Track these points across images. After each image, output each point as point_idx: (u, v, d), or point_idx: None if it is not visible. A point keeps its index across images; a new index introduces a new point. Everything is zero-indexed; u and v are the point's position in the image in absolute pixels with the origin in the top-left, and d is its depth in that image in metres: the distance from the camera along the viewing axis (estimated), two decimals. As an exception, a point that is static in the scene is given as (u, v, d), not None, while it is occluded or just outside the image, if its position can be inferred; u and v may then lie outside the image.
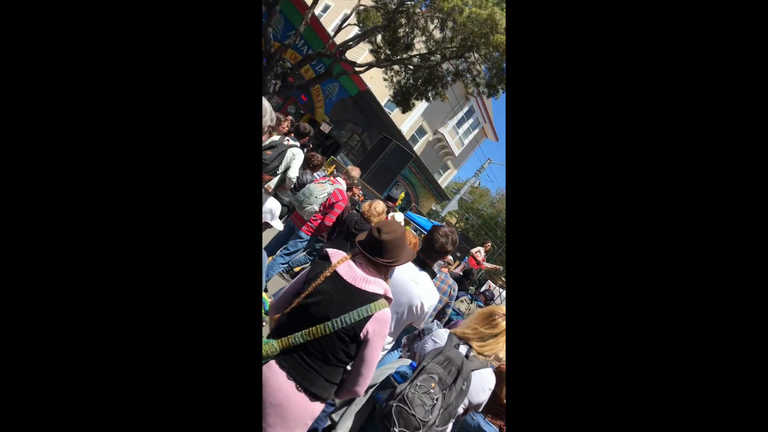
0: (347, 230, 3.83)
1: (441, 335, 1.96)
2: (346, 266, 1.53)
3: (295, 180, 4.37)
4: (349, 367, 1.58)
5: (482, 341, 1.91)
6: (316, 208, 4.09)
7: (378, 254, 1.54)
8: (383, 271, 1.58)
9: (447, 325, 3.44)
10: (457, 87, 14.82)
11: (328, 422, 2.14)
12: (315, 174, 4.69)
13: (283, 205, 4.23)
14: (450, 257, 4.27)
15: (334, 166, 7.32)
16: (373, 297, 1.47)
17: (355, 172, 4.56)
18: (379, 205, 3.90)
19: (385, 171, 7.42)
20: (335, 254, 1.58)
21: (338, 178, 4.38)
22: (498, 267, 12.20)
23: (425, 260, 2.27)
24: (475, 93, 13.80)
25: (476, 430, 2.93)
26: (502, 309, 2.05)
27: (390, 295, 1.54)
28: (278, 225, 2.32)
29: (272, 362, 1.46)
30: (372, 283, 1.50)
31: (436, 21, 11.36)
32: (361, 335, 1.44)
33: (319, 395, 1.47)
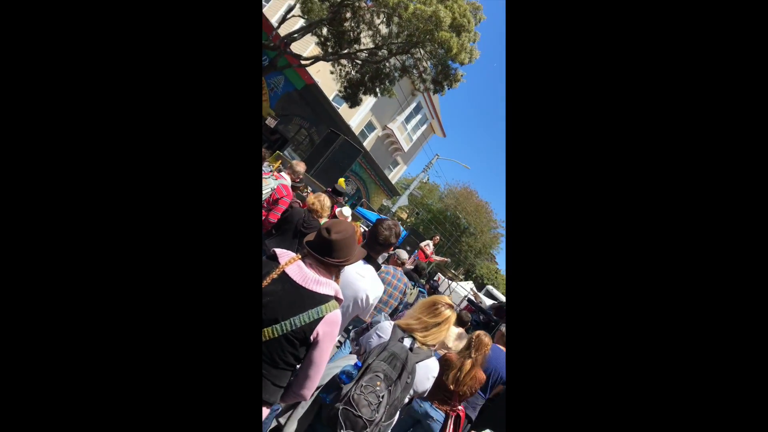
0: (295, 228, 3.74)
1: (385, 328, 1.96)
2: (295, 267, 1.48)
3: None
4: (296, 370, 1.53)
5: (426, 331, 1.94)
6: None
7: (328, 254, 1.50)
8: (334, 271, 1.55)
9: (393, 316, 3.47)
10: (404, 83, 14.95)
11: (274, 424, 2.08)
12: (258, 169, 4.54)
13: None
14: (405, 255, 4.29)
15: (280, 161, 7.13)
16: (324, 299, 1.43)
17: (300, 167, 4.45)
18: (327, 200, 3.84)
19: (333, 166, 7.33)
20: (283, 254, 1.53)
21: (282, 174, 4.27)
22: (446, 259, 12.53)
23: (370, 253, 2.27)
24: (422, 89, 14.01)
25: (424, 416, 2.99)
26: (445, 298, 2.09)
27: (341, 296, 1.51)
28: None
29: None
30: (323, 285, 1.46)
31: (382, 16, 11.36)
32: (311, 337, 1.41)
33: (266, 400, 1.42)
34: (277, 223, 3.84)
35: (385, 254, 4.20)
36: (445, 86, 11.71)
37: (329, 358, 2.24)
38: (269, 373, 1.41)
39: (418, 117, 21.84)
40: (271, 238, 3.76)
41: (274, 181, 4.07)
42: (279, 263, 1.48)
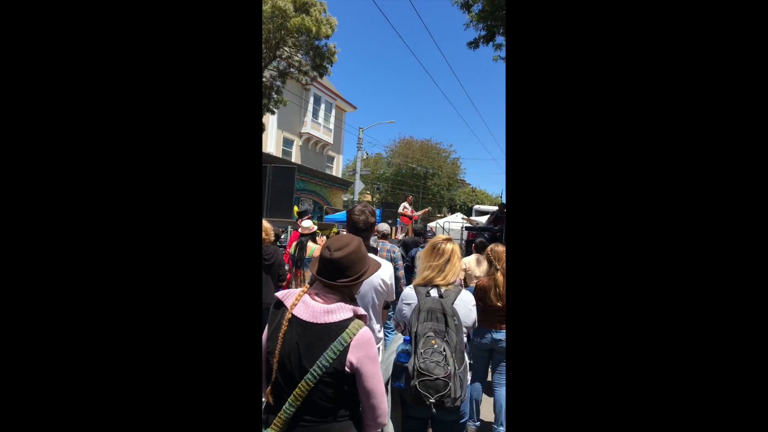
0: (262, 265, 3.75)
1: (408, 295, 1.99)
2: (301, 306, 1.37)
3: None
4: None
5: (442, 272, 1.97)
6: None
7: (338, 275, 1.38)
8: (344, 291, 1.41)
9: (397, 285, 3.53)
10: (290, 86, 14.67)
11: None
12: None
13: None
14: (385, 227, 4.32)
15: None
16: (340, 326, 1.31)
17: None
18: (264, 223, 3.86)
19: (279, 196, 7.18)
20: (287, 297, 1.42)
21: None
22: (427, 209, 12.67)
23: (360, 243, 2.27)
24: (308, 81, 13.77)
25: (493, 343, 3.07)
26: (439, 237, 2.12)
27: (361, 311, 1.38)
28: None
29: None
30: (333, 312, 1.34)
31: (231, 40, 11.01)
32: (347, 369, 1.28)
33: None
34: None
35: (375, 236, 4.22)
36: (327, 66, 11.56)
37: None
38: (326, 419, 1.30)
39: (323, 106, 21.57)
40: None
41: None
42: (286, 308, 1.38)
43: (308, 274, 4.77)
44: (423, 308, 1.83)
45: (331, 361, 1.27)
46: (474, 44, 8.16)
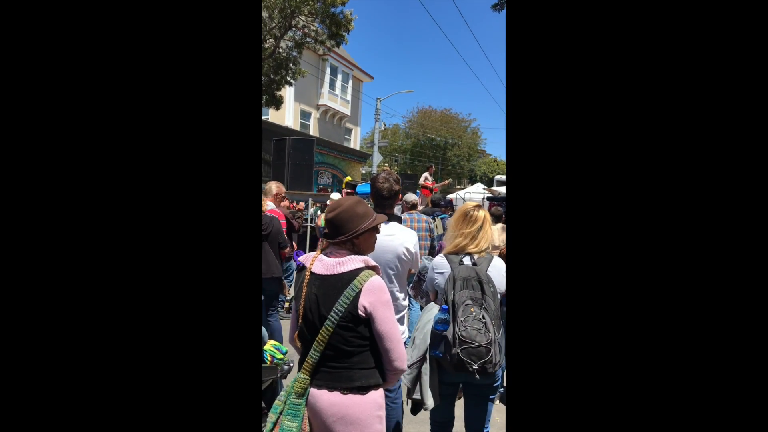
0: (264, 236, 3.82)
1: (440, 264, 1.96)
2: (318, 263, 1.51)
3: None
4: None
5: (474, 240, 1.94)
6: (260, 240, 3.91)
7: (336, 233, 1.51)
8: (350, 247, 1.53)
9: (434, 253, 3.49)
10: (306, 56, 14.44)
11: (401, 407, 2.13)
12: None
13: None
14: (412, 196, 4.29)
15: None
16: (352, 275, 1.43)
17: (274, 186, 4.36)
18: (272, 187, 4.03)
19: (299, 168, 7.20)
20: (306, 258, 1.56)
21: (267, 205, 4.19)
22: (447, 181, 12.53)
23: (385, 211, 2.24)
24: (325, 50, 13.51)
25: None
26: (470, 203, 2.06)
27: (371, 263, 1.50)
28: None
29: (312, 390, 1.44)
30: (345, 263, 1.46)
31: (246, 10, 10.82)
32: (361, 313, 1.40)
33: (367, 385, 1.44)
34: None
35: (399, 204, 4.19)
36: (343, 33, 11.29)
37: (407, 318, 2.26)
38: (351, 363, 1.42)
39: (340, 77, 21.25)
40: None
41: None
42: (305, 267, 1.52)
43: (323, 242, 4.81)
44: (458, 276, 1.82)
45: (345, 306, 1.39)
46: (499, 5, 7.80)
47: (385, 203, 2.26)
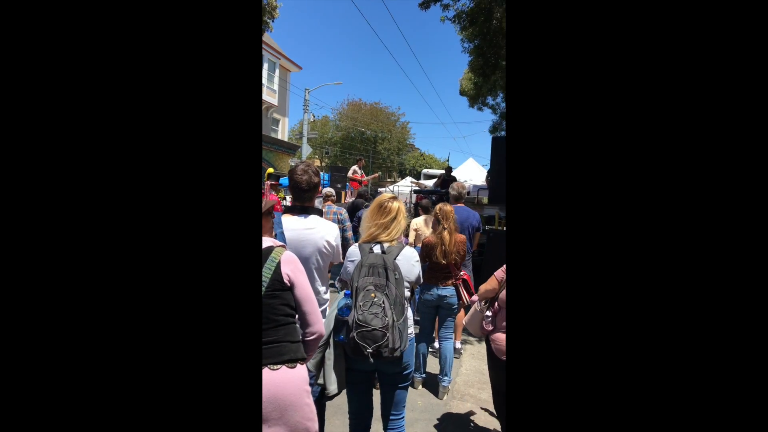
0: None
1: (353, 252, 1.98)
2: None
3: None
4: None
5: (387, 230, 1.98)
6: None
7: None
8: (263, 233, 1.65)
9: (344, 245, 3.55)
10: (229, 42, 13.71)
11: (317, 389, 2.14)
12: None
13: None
14: (329, 189, 4.25)
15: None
16: (268, 250, 1.57)
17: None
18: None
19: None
20: None
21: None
22: (377, 174, 12.63)
23: (304, 204, 2.19)
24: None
25: (439, 299, 3.19)
26: (386, 195, 2.10)
27: (278, 243, 1.64)
28: None
29: None
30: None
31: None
32: (285, 280, 1.53)
33: (294, 358, 1.49)
34: None
35: (320, 196, 4.14)
36: (268, 21, 10.88)
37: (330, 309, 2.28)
38: (278, 335, 1.48)
39: (266, 65, 20.47)
40: None
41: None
42: None
43: None
44: (365, 264, 1.85)
45: (269, 275, 1.50)
46: (425, 5, 7.97)
47: (304, 196, 2.21)
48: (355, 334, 1.72)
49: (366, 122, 29.37)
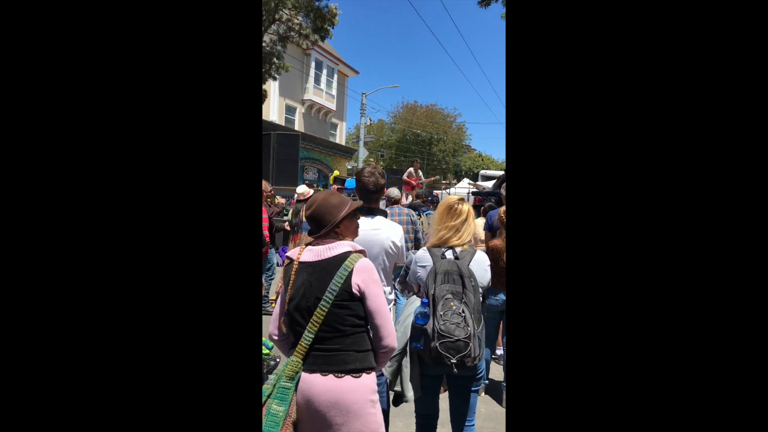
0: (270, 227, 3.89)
1: (423, 257, 1.98)
2: (306, 252, 1.55)
3: None
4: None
5: (458, 233, 1.95)
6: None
7: (319, 228, 1.58)
8: (336, 236, 1.58)
9: (418, 247, 3.53)
10: (291, 50, 14.28)
11: (386, 398, 2.15)
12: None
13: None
14: (395, 192, 4.30)
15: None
16: (342, 257, 1.50)
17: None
18: (265, 185, 4.01)
19: (284, 164, 7.15)
20: (292, 253, 1.61)
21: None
22: (433, 177, 12.57)
23: (370, 206, 2.24)
24: (309, 45, 13.39)
25: (504, 304, 3.10)
26: (454, 197, 2.08)
27: (358, 247, 1.57)
28: None
29: (303, 375, 1.44)
30: (334, 248, 1.53)
31: (228, 3, 10.66)
32: (355, 291, 1.46)
33: (361, 368, 1.46)
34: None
35: (383, 198, 4.19)
36: (328, 28, 11.20)
37: (394, 311, 2.28)
38: (345, 344, 1.45)
39: (325, 71, 21.08)
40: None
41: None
42: (293, 260, 1.56)
43: (303, 236, 4.84)
44: (439, 270, 1.83)
45: (340, 284, 1.45)
46: (485, 2, 7.81)
47: (371, 197, 2.26)
48: (437, 345, 1.71)
49: (421, 124, 29.32)
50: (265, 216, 4.01)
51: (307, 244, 1.60)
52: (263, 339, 2.46)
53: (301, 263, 1.53)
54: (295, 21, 11.38)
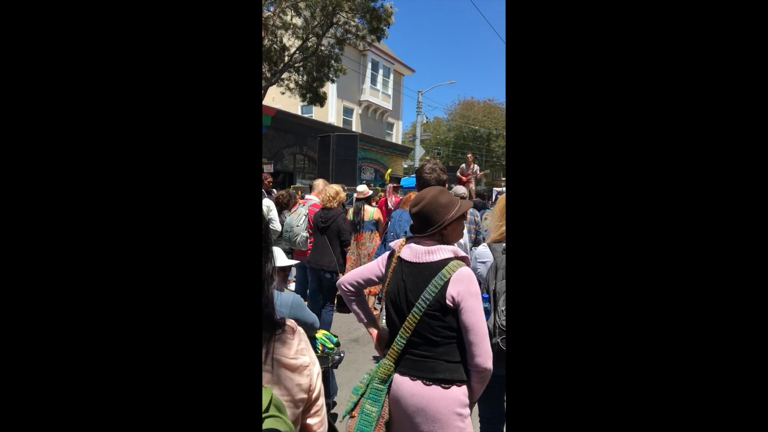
0: (318, 228, 3.90)
1: (483, 253, 1.95)
2: (407, 249, 1.50)
3: (280, 229, 4.33)
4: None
5: (520, 229, 1.90)
6: (305, 234, 4.03)
7: (424, 228, 1.49)
8: (441, 238, 1.50)
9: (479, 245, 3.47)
10: (348, 52, 14.58)
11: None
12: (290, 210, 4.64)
13: (285, 251, 4.20)
14: (462, 189, 4.27)
15: (300, 192, 7.23)
16: (441, 264, 1.41)
17: (320, 183, 4.48)
18: (330, 189, 3.95)
19: (343, 164, 7.34)
20: (395, 244, 1.57)
21: (307, 197, 4.32)
22: (482, 173, 12.24)
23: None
24: (366, 46, 13.61)
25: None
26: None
27: (460, 253, 1.46)
28: (287, 261, 2.26)
29: (395, 376, 1.43)
30: (434, 252, 1.44)
31: (289, 11, 11.09)
32: (449, 302, 1.37)
33: (450, 379, 1.39)
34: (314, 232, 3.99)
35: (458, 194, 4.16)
36: (383, 28, 11.30)
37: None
38: (435, 353, 1.39)
39: (381, 71, 21.27)
40: (312, 248, 4.00)
41: (303, 208, 4.14)
42: (394, 251, 1.54)
43: (368, 236, 4.88)
44: (500, 266, 1.79)
45: (433, 294, 1.37)
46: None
47: (431, 194, 2.27)
48: (499, 340, 1.67)
49: (479, 120, 28.67)
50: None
51: (408, 239, 1.55)
52: (328, 333, 2.55)
53: (399, 259, 1.49)
54: (352, 23, 11.59)
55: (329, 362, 2.44)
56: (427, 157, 22.28)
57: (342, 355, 2.51)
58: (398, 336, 1.41)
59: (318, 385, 0.92)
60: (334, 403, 2.84)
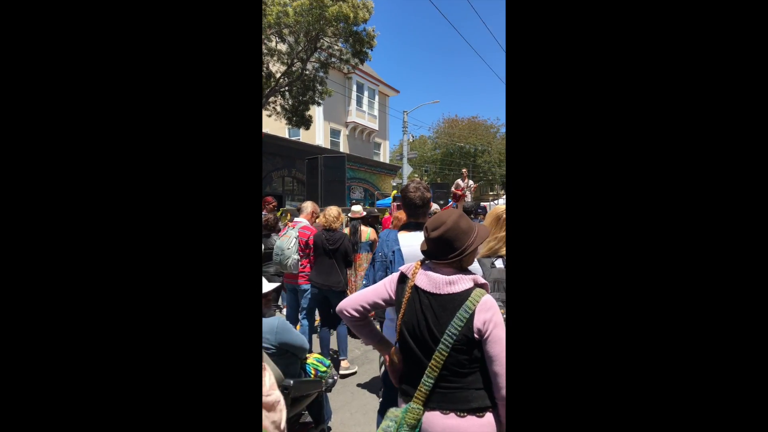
0: (323, 250, 3.89)
1: (473, 267, 1.95)
2: (423, 278, 1.43)
3: (266, 250, 4.31)
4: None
5: (506, 242, 1.92)
6: (296, 256, 4.01)
7: (444, 253, 1.43)
8: (459, 264, 1.45)
9: None
10: (332, 75, 14.80)
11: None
12: (277, 234, 4.62)
13: (271, 275, 4.16)
14: (435, 206, 4.32)
15: (288, 214, 7.20)
16: (465, 294, 1.37)
17: (309, 205, 4.48)
18: (332, 210, 3.95)
19: (332, 185, 7.34)
20: (407, 269, 1.50)
21: (296, 219, 4.31)
22: (474, 185, 12.40)
23: (418, 221, 2.27)
24: (350, 69, 13.82)
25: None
26: (501, 206, 2.05)
27: (481, 280, 1.42)
28: (269, 286, 2.20)
29: (424, 414, 1.38)
30: (455, 283, 1.39)
31: (273, 38, 11.26)
32: (475, 335, 1.33)
33: (484, 406, 1.36)
34: (310, 253, 3.99)
35: (430, 212, 4.20)
36: (366, 51, 11.52)
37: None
38: (464, 382, 1.36)
39: (366, 93, 21.59)
40: (313, 269, 3.98)
41: (293, 230, 4.12)
42: (408, 277, 1.46)
43: (365, 257, 4.87)
44: (489, 279, 1.80)
45: (460, 329, 1.32)
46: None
47: (417, 212, 2.28)
48: None
49: (464, 137, 29.09)
50: (311, 236, 4.08)
51: (422, 263, 1.49)
52: (320, 356, 2.51)
53: (416, 288, 1.42)
54: (336, 47, 11.80)
55: (322, 386, 2.39)
56: (416, 175, 22.44)
57: (335, 378, 2.47)
58: (425, 376, 1.35)
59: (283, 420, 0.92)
60: (329, 428, 2.77)
